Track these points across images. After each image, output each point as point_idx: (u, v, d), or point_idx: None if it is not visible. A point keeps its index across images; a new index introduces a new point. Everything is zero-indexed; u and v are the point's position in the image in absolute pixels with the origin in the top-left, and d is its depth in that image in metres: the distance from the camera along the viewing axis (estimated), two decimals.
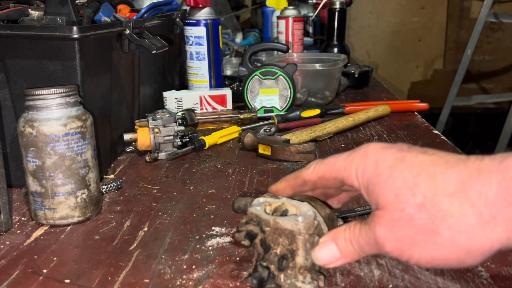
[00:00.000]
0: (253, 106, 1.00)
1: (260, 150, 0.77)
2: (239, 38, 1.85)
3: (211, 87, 1.06)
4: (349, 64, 1.36)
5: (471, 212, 0.32)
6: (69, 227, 0.55)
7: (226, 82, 1.18)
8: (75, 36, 0.58)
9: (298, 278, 0.40)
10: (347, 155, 0.40)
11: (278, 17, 1.42)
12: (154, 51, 0.76)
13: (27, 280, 0.44)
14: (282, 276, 0.40)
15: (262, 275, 0.40)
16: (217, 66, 1.06)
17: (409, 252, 0.35)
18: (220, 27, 1.05)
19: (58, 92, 0.52)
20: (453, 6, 3.24)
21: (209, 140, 0.81)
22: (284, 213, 0.43)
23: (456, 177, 0.34)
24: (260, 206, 0.43)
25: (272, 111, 1.00)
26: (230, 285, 0.43)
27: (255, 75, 0.99)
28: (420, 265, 0.43)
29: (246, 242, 0.40)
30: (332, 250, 0.39)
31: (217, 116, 0.95)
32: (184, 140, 0.78)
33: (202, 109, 0.99)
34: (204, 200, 0.62)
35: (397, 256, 0.37)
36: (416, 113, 1.03)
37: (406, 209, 0.35)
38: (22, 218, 0.57)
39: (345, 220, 0.54)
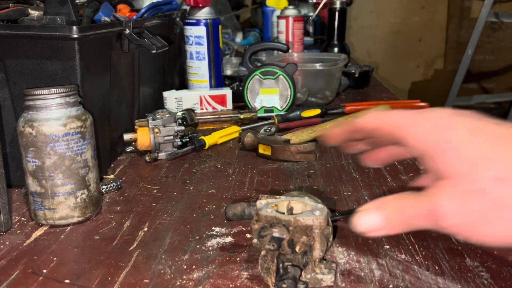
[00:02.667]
0: (253, 106, 1.00)
1: (260, 150, 0.77)
2: (239, 38, 1.85)
3: (211, 87, 1.06)
4: (349, 64, 1.36)
5: None
6: (69, 227, 0.55)
7: (226, 82, 1.18)
8: (75, 36, 0.58)
9: (316, 271, 0.41)
10: (411, 114, 0.38)
11: (278, 17, 1.42)
12: (154, 51, 0.76)
13: (27, 280, 0.44)
14: (303, 272, 0.41)
15: (294, 275, 0.40)
16: (217, 66, 1.06)
17: (480, 229, 0.32)
18: (220, 26, 1.05)
19: (58, 92, 0.52)
20: (453, 6, 3.23)
21: (209, 140, 0.81)
22: (291, 211, 0.44)
23: None
24: (269, 208, 0.43)
25: (272, 111, 1.00)
26: (230, 285, 0.43)
27: (255, 75, 0.99)
28: (488, 245, 0.38)
29: (272, 246, 0.39)
30: (376, 218, 0.37)
31: (217, 116, 0.95)
32: (184, 140, 0.78)
33: (202, 109, 0.98)
34: (204, 200, 0.62)
35: (459, 232, 0.33)
36: None
37: (480, 182, 0.32)
38: (22, 218, 0.57)
39: (346, 220, 0.54)
